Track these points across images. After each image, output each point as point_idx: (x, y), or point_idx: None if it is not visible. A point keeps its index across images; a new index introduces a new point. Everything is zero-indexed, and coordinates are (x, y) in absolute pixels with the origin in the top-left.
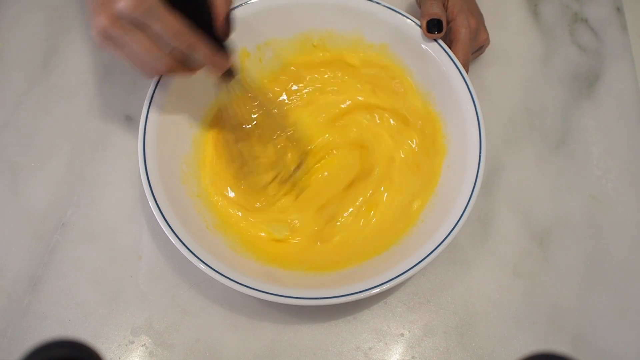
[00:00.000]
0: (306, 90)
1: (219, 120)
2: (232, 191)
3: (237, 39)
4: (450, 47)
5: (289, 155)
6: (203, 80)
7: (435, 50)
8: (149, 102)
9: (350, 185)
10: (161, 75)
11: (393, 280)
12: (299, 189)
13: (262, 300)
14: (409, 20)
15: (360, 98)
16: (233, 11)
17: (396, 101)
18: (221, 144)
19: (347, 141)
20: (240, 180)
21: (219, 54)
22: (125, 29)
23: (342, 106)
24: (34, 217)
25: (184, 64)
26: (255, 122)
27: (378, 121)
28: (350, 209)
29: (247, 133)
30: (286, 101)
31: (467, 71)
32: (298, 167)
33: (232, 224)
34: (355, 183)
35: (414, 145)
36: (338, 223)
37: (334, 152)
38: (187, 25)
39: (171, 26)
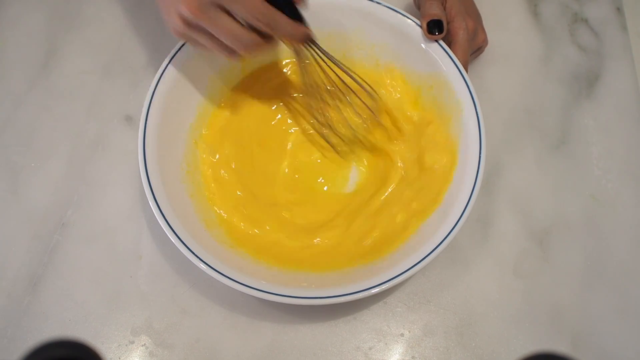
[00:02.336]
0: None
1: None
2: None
3: None
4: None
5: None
6: (203, 80)
7: (435, 50)
8: (149, 102)
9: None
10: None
11: (393, 280)
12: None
13: (262, 300)
14: (409, 20)
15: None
16: None
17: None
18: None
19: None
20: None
21: (297, 24)
22: (210, 14)
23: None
24: (34, 217)
25: (267, 40)
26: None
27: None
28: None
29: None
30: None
31: (466, 72)
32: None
33: (232, 223)
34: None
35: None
36: (337, 223)
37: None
38: (264, 2)
39: (252, 5)
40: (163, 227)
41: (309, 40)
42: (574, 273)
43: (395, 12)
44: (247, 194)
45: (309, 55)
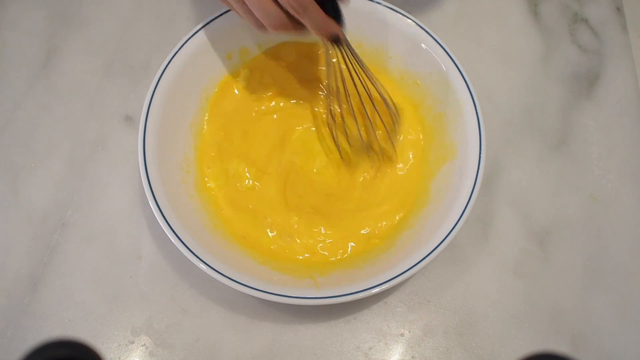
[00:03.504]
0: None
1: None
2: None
3: (236, 38)
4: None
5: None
6: (203, 81)
7: (435, 50)
8: (149, 102)
9: (350, 185)
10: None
11: (393, 280)
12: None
13: (262, 300)
14: (409, 20)
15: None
16: None
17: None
18: None
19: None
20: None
21: (328, 19)
22: None
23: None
24: (34, 217)
25: (296, 23)
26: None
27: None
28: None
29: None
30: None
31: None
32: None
33: (232, 223)
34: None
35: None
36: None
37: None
38: None
39: None
40: (163, 227)
41: (336, 40)
42: (574, 273)
43: (395, 12)
44: (247, 194)
45: (337, 54)
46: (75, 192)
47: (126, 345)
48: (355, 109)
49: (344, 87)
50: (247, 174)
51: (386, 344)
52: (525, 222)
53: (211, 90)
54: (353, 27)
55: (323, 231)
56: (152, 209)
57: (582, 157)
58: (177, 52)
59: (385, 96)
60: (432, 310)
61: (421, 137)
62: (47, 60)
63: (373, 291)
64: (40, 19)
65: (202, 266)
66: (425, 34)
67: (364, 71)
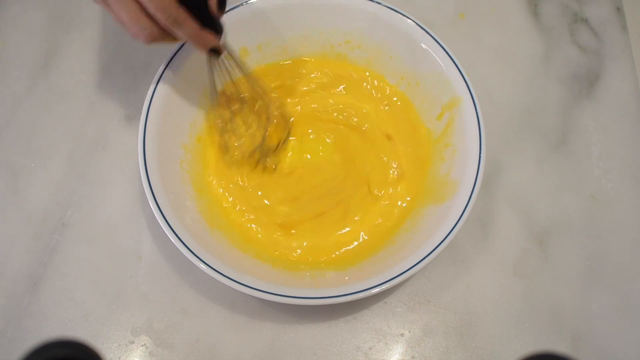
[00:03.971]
0: (305, 88)
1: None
2: (233, 191)
3: (236, 38)
4: None
5: (271, 131)
6: (203, 80)
7: (435, 50)
8: (148, 102)
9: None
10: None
11: (393, 280)
12: (275, 162)
13: (262, 300)
14: (409, 20)
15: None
16: None
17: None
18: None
19: (341, 131)
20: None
21: (204, 31)
22: None
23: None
24: (34, 217)
25: (170, 35)
26: (243, 102)
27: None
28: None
29: (234, 112)
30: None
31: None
32: (279, 143)
33: (233, 223)
34: (355, 181)
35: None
36: (337, 224)
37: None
38: (174, 1)
39: None
40: (163, 227)
41: (215, 51)
42: (574, 273)
43: (395, 12)
44: (247, 194)
45: (220, 65)
46: (75, 192)
47: (126, 345)
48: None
49: (233, 95)
50: (247, 174)
51: (386, 344)
52: (525, 222)
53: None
54: (353, 27)
55: (323, 231)
56: (152, 209)
57: (582, 157)
58: (177, 52)
59: (271, 104)
60: (432, 310)
61: (420, 136)
62: (47, 60)
63: (373, 291)
64: (41, 19)
65: (202, 266)
66: (425, 34)
67: (247, 78)
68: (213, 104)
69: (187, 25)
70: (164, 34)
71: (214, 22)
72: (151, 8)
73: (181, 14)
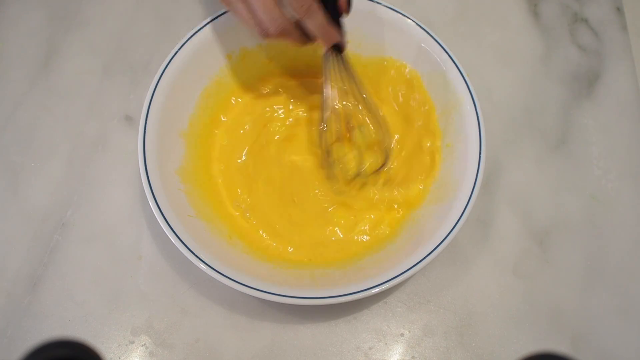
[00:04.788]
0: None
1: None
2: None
3: (237, 39)
4: None
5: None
6: (203, 81)
7: (435, 50)
8: (149, 102)
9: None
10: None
11: (393, 280)
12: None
13: (262, 300)
14: (409, 20)
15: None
16: None
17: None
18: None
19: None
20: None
21: (332, 25)
22: None
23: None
24: (34, 217)
25: (299, 31)
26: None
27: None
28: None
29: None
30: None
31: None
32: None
33: (233, 224)
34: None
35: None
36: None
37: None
38: None
39: None
40: (163, 227)
41: (338, 48)
42: (574, 273)
43: (395, 12)
44: (247, 193)
45: (334, 65)
46: (75, 192)
47: (126, 345)
48: (350, 124)
49: (338, 100)
50: (246, 174)
51: (386, 344)
52: (525, 222)
53: (212, 90)
54: (353, 27)
55: (324, 231)
56: (152, 209)
57: (582, 157)
58: (177, 52)
59: (376, 112)
60: (432, 310)
61: (420, 136)
62: (47, 60)
63: (373, 291)
64: (40, 19)
65: (202, 266)
66: (425, 34)
67: (357, 87)
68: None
69: (319, 16)
70: (293, 28)
71: (339, 21)
72: None
73: (314, 4)
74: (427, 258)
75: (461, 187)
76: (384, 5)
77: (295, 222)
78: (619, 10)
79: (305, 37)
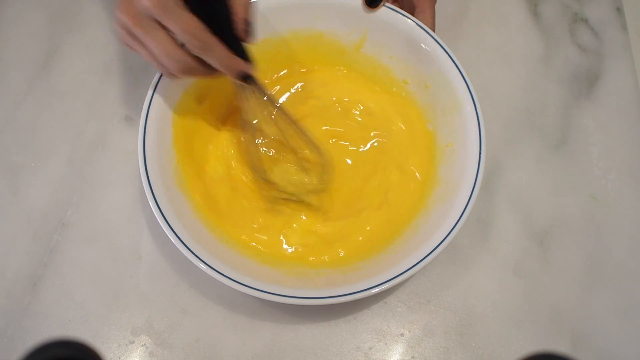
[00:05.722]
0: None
1: (219, 120)
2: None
3: None
4: (413, 14)
5: (303, 177)
6: (203, 81)
7: (435, 50)
8: (149, 102)
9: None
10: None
11: (393, 280)
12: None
13: (262, 300)
14: (409, 21)
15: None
16: (253, 16)
17: (396, 101)
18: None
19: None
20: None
21: (235, 57)
22: (145, 26)
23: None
24: (34, 217)
25: (203, 65)
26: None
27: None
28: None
29: (265, 140)
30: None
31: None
32: (312, 189)
33: (232, 223)
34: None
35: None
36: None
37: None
38: (204, 27)
39: (187, 25)
40: (163, 227)
41: (246, 78)
42: (574, 273)
43: (395, 12)
44: (247, 193)
45: (249, 94)
46: (75, 192)
47: (126, 345)
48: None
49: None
50: (246, 174)
51: (386, 344)
52: (525, 222)
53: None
54: (353, 27)
55: (324, 231)
56: (152, 209)
57: (582, 157)
58: None
59: (306, 132)
60: (432, 310)
61: (420, 136)
62: (47, 60)
63: (373, 291)
64: (40, 19)
65: (202, 266)
66: (425, 34)
67: (279, 110)
68: (247, 133)
69: (218, 50)
70: (197, 65)
71: (242, 50)
72: (181, 35)
73: (210, 39)
74: (427, 258)
75: (461, 187)
76: (384, 6)
77: (296, 222)
78: (619, 10)
79: (213, 69)
